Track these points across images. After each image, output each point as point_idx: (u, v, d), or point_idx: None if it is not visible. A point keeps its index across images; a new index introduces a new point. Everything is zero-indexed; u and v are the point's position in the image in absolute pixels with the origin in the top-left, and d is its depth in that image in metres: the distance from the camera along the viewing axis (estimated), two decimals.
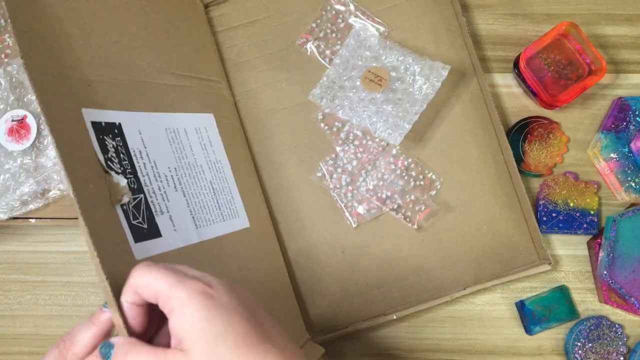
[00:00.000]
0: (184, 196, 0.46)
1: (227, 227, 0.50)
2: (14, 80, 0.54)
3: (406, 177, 0.56)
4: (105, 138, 0.40)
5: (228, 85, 0.58)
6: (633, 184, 0.56)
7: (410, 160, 0.56)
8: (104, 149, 0.39)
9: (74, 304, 0.58)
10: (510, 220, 0.56)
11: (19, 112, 0.53)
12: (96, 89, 0.41)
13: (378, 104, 0.54)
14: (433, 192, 0.56)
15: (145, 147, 0.44)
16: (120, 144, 0.42)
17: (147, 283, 0.32)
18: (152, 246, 0.41)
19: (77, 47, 0.41)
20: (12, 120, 0.53)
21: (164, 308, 0.32)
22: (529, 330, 0.56)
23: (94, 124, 0.39)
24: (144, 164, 0.43)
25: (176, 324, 0.31)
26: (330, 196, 0.56)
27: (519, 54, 0.57)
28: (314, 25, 0.58)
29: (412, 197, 0.55)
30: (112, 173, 0.39)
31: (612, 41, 0.60)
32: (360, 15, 0.57)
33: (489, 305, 0.57)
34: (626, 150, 0.57)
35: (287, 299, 0.54)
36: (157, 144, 0.46)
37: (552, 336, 0.57)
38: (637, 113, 0.57)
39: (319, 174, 0.57)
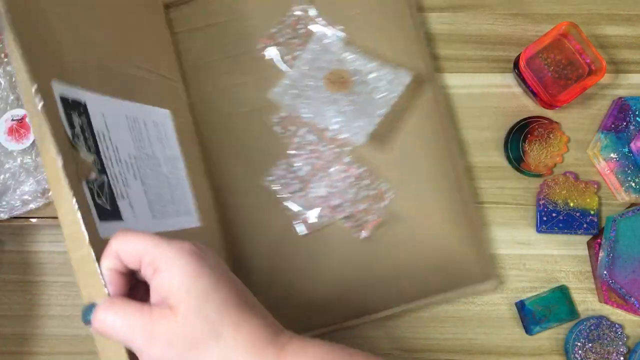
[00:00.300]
0: (143, 185, 0.45)
1: (181, 223, 0.49)
2: (13, 79, 0.54)
3: (358, 186, 0.55)
4: (72, 114, 0.39)
5: (184, 86, 0.57)
6: (633, 184, 0.56)
7: (363, 169, 0.55)
8: (71, 125, 0.39)
9: (74, 303, 0.58)
10: (460, 236, 0.55)
11: (19, 112, 0.53)
12: (66, 64, 0.41)
13: (342, 105, 0.54)
14: (385, 202, 0.55)
15: (108, 131, 0.43)
16: (86, 123, 0.41)
17: (130, 246, 0.31)
18: (115, 228, 0.39)
19: (52, 21, 0.40)
20: (12, 120, 0.53)
21: (147, 270, 0.31)
22: (529, 330, 0.56)
23: (62, 98, 0.39)
24: (107, 146, 0.42)
25: (162, 282, 0.30)
26: (281, 202, 0.56)
27: (519, 54, 0.57)
28: (274, 30, 0.58)
29: (363, 207, 0.55)
30: (80, 148, 0.39)
31: (612, 41, 0.60)
32: (321, 22, 0.57)
33: (489, 305, 0.57)
34: (626, 150, 0.57)
35: None
36: (118, 129, 0.45)
37: (552, 336, 0.57)
38: (637, 113, 0.57)
39: (271, 179, 0.56)
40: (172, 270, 0.30)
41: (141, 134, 0.48)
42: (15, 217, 0.53)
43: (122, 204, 0.41)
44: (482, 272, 0.54)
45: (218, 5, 0.58)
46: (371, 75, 0.54)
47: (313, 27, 0.57)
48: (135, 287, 0.34)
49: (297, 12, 0.57)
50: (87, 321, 0.32)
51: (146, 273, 0.32)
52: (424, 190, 0.56)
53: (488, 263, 0.54)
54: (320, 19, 0.57)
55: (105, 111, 0.44)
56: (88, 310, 0.32)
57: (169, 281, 0.30)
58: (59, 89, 0.39)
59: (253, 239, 0.56)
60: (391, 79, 0.54)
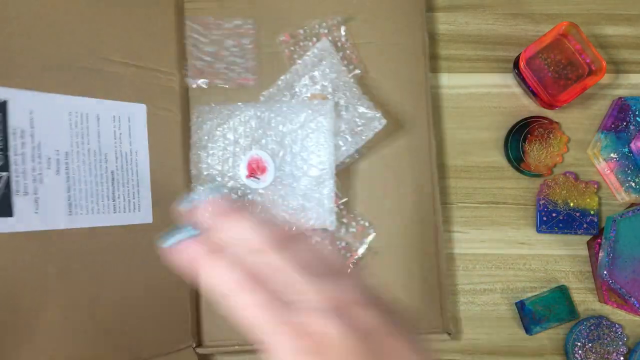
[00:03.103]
0: (67, 181, 0.48)
1: (119, 219, 0.50)
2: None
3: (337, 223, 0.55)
4: None
5: (183, 78, 0.57)
6: (633, 184, 0.56)
7: (341, 206, 0.56)
8: None
9: None
10: (426, 282, 0.55)
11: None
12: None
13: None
14: (367, 239, 0.56)
15: (32, 128, 0.46)
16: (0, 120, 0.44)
17: (220, 288, 0.26)
18: (1, 224, 0.43)
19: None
20: None
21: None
22: (529, 330, 0.56)
23: None
24: (23, 143, 0.45)
25: None
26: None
27: (519, 54, 0.57)
28: (301, 31, 0.58)
29: (343, 244, 0.56)
30: None
31: (612, 41, 0.60)
32: (347, 47, 0.57)
33: (489, 305, 0.57)
34: (626, 150, 0.57)
35: (179, 301, 0.54)
36: (49, 126, 0.47)
37: (552, 336, 0.57)
38: (637, 113, 0.57)
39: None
40: None
41: (87, 129, 0.49)
42: None
43: (19, 201, 0.44)
44: (441, 321, 0.55)
45: (238, 2, 0.58)
46: (348, 110, 0.54)
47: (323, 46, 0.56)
48: None
49: (333, 31, 0.57)
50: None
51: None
52: (400, 230, 0.56)
53: (447, 314, 0.54)
54: (348, 44, 0.56)
55: (36, 108, 0.47)
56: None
57: None
58: None
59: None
60: (365, 122, 0.53)
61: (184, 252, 0.27)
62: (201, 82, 0.57)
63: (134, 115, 0.53)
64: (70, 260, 0.49)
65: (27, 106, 0.46)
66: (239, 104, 0.55)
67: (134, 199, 0.52)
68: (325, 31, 0.57)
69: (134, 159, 0.53)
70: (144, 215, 0.53)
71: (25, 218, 0.45)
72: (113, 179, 0.51)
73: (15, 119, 0.46)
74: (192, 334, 0.54)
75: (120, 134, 0.52)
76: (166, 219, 0.54)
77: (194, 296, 0.55)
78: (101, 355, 0.50)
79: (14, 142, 0.45)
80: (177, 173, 0.55)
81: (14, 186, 0.45)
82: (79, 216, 0.49)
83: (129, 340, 0.52)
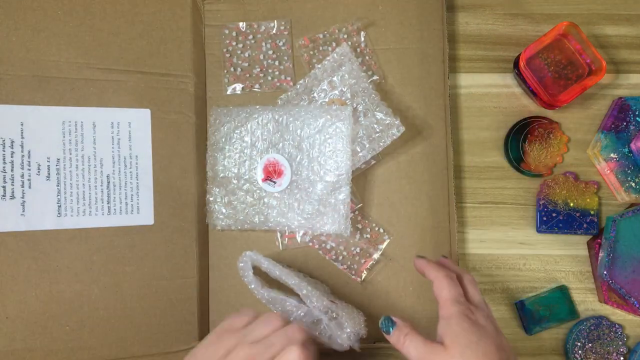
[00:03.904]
0: (57, 185, 0.51)
1: (115, 221, 0.52)
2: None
3: (351, 229, 0.55)
4: None
5: (199, 80, 0.57)
6: (633, 184, 0.56)
7: (357, 212, 0.56)
8: None
9: None
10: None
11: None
12: None
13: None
14: (381, 245, 0.56)
15: (23, 138, 0.50)
16: None
17: (437, 285, 0.45)
18: None
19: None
20: None
21: (439, 309, 0.44)
22: (529, 330, 0.56)
23: None
24: (12, 152, 0.50)
25: (444, 326, 0.43)
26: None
27: (519, 54, 0.57)
28: (320, 35, 0.58)
29: (357, 250, 0.56)
30: None
31: (612, 41, 0.60)
32: (366, 54, 0.57)
33: (490, 305, 0.57)
34: (626, 150, 0.57)
35: (185, 302, 0.54)
36: (40, 136, 0.51)
37: (552, 336, 0.57)
38: (637, 113, 0.57)
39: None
40: (451, 321, 0.42)
41: (81, 136, 0.52)
42: None
43: (5, 204, 0.49)
44: None
45: (258, 6, 0.58)
46: (367, 117, 0.53)
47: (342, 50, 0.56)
48: None
49: (352, 36, 0.56)
50: (387, 332, 0.44)
51: (439, 310, 0.44)
52: (415, 237, 0.56)
53: None
54: (367, 50, 0.56)
55: (27, 120, 0.50)
56: (386, 323, 0.45)
57: (448, 327, 0.42)
58: None
59: (232, 242, 0.56)
60: (383, 129, 0.53)
61: (416, 263, 0.49)
62: (237, 87, 0.57)
63: (136, 120, 0.54)
64: (58, 259, 0.51)
65: (17, 118, 0.50)
66: (257, 106, 0.55)
67: (132, 201, 0.53)
68: (345, 36, 0.57)
69: (134, 163, 0.53)
70: (143, 217, 0.53)
71: (10, 220, 0.49)
72: (109, 182, 0.53)
73: (5, 130, 0.49)
74: (199, 336, 0.54)
75: (119, 139, 0.53)
76: (172, 219, 0.54)
77: (203, 299, 0.55)
78: (84, 351, 0.51)
79: (2, 152, 0.49)
80: (189, 175, 0.55)
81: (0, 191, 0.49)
82: (68, 218, 0.51)
83: (122, 338, 0.52)
